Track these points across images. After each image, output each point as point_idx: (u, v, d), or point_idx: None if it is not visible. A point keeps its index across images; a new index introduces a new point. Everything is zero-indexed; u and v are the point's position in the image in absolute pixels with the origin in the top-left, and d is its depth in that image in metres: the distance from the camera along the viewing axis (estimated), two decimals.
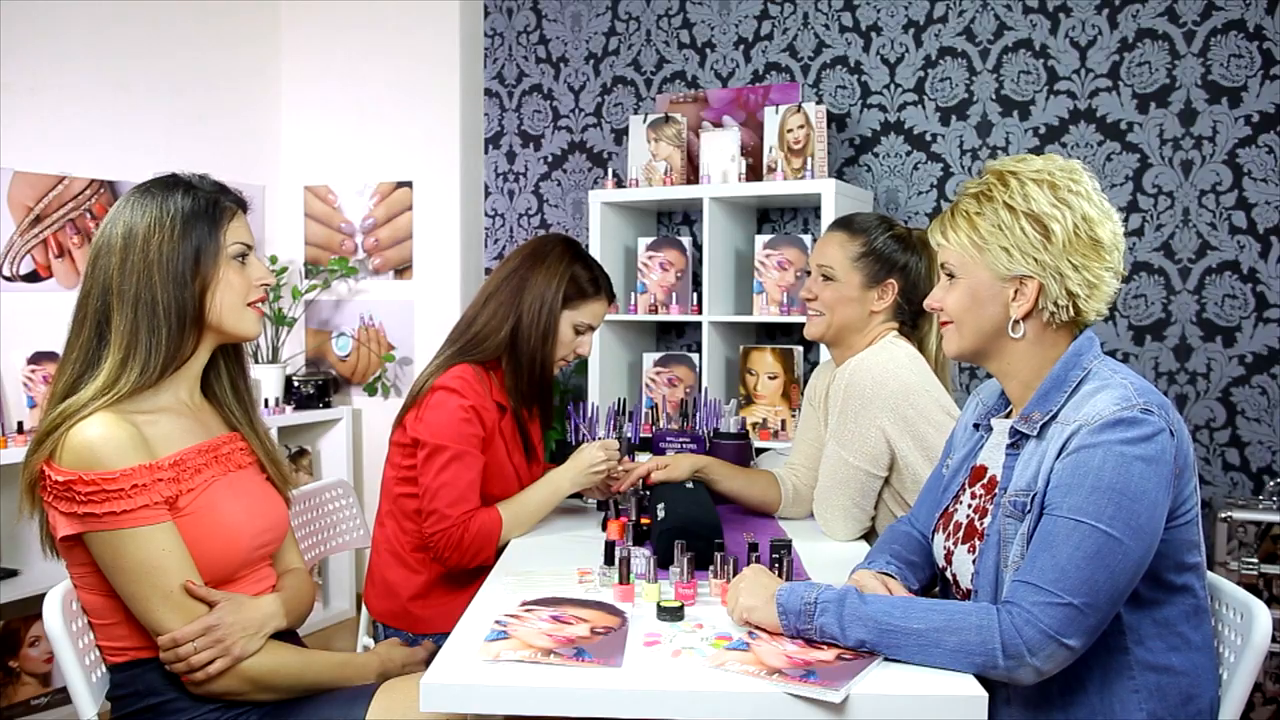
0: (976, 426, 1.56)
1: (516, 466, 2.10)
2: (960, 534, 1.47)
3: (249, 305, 1.57)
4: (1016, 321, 1.40)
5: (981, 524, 1.43)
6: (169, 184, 1.54)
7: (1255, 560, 2.63)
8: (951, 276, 1.45)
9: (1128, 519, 1.24)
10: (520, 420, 2.13)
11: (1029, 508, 1.33)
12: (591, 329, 2.16)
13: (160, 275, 1.47)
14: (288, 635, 1.62)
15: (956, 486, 1.55)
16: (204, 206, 1.52)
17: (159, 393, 1.51)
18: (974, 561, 1.42)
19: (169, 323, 1.47)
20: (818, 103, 3.23)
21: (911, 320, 2.06)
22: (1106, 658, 1.32)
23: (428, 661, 1.78)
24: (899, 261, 2.03)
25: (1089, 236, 1.36)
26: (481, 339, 2.05)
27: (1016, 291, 1.38)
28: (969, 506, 1.48)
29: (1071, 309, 1.38)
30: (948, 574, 1.51)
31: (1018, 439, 1.41)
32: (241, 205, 1.59)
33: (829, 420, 2.01)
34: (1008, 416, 1.50)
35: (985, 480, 1.48)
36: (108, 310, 1.47)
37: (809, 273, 2.10)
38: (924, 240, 2.06)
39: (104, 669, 1.52)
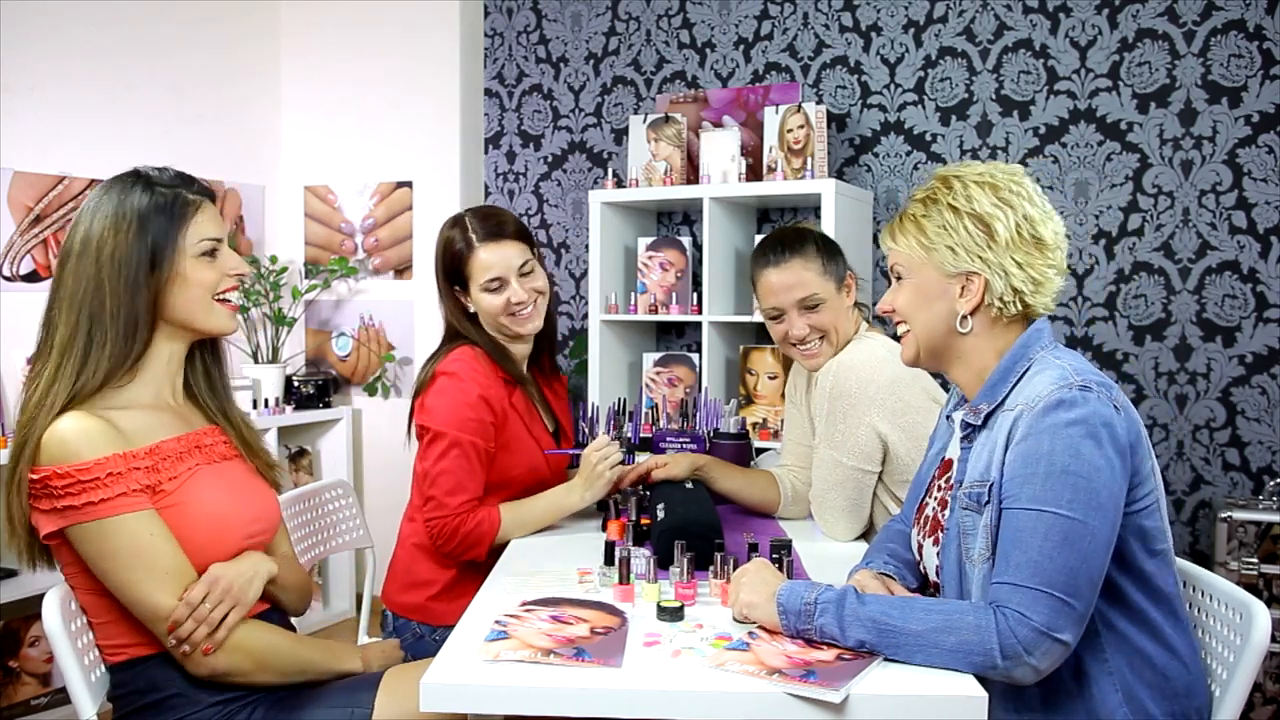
0: (949, 419, 1.59)
1: (538, 437, 2.09)
2: (927, 527, 1.50)
3: (218, 299, 1.55)
4: (964, 316, 1.43)
5: (944, 517, 1.45)
6: (128, 182, 1.51)
7: (1255, 560, 2.63)
8: (899, 278, 1.49)
9: (1087, 500, 1.26)
10: (537, 394, 2.14)
11: (986, 499, 1.35)
12: (501, 280, 2.02)
13: (112, 279, 1.45)
14: (282, 624, 1.63)
15: (928, 480, 1.58)
16: (164, 203, 1.50)
17: (128, 390, 1.50)
18: (938, 555, 1.44)
19: (115, 327, 1.46)
20: (818, 103, 3.23)
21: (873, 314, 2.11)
22: (1079, 643, 1.33)
23: (403, 650, 1.80)
24: (841, 252, 2.04)
25: (1031, 235, 1.40)
26: (445, 338, 2.10)
27: (963, 288, 1.42)
28: (935, 500, 1.52)
29: (1018, 304, 1.41)
30: (920, 567, 1.54)
31: (969, 431, 1.44)
32: (207, 195, 1.57)
33: (815, 422, 2.01)
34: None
35: (950, 473, 1.50)
36: (59, 316, 1.47)
37: (774, 318, 2.01)
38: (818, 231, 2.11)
39: (103, 668, 1.52)
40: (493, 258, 2.02)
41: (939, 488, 1.52)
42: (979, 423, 1.41)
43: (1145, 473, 1.35)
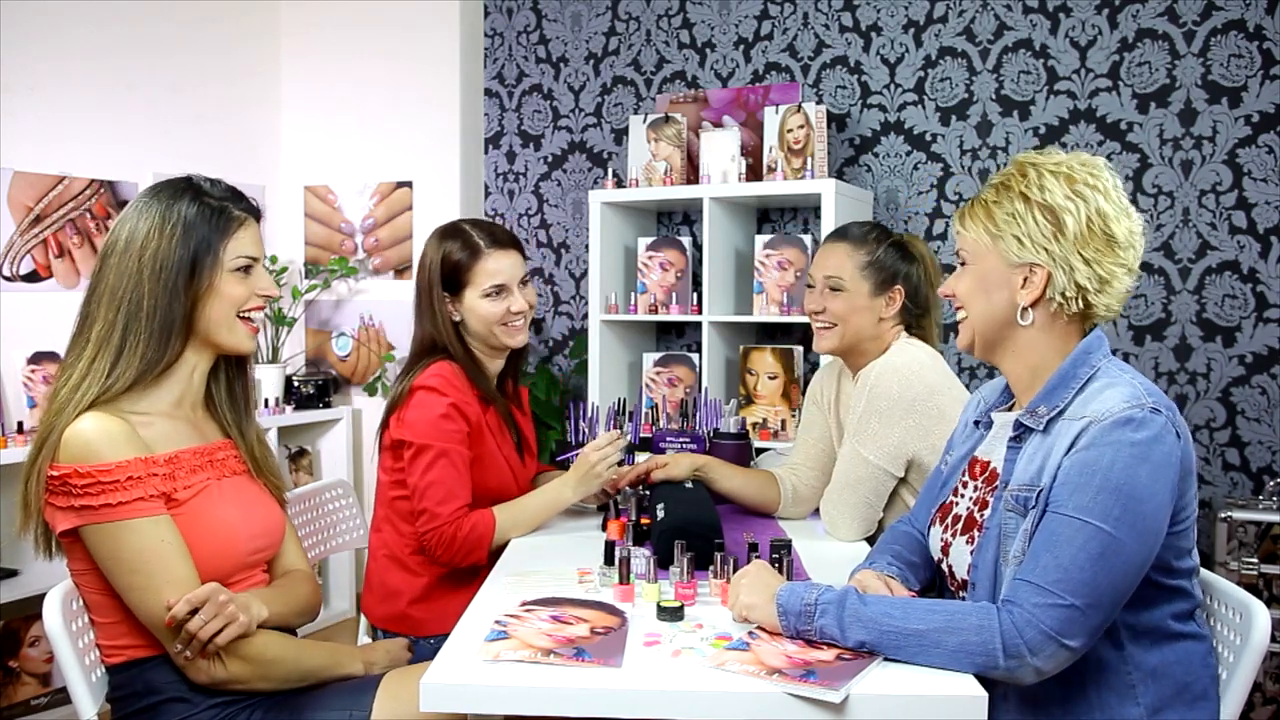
0: (977, 424, 1.57)
1: (507, 458, 2.10)
2: (959, 526, 1.48)
3: (242, 316, 1.56)
4: (1025, 309, 1.41)
5: (981, 516, 1.44)
6: (179, 188, 1.53)
7: (1255, 560, 2.63)
8: (964, 264, 1.47)
9: (1133, 521, 1.25)
10: (506, 412, 2.13)
11: (1033, 503, 1.33)
12: (504, 288, 2.04)
13: (151, 279, 1.47)
14: (285, 633, 1.63)
15: (955, 481, 1.55)
16: (210, 215, 1.52)
17: (150, 396, 1.51)
18: (972, 553, 1.42)
19: (150, 328, 1.47)
20: (818, 103, 3.23)
21: (915, 322, 2.08)
22: (1101, 654, 1.32)
23: (411, 651, 1.80)
24: (902, 269, 2.04)
25: (1103, 232, 1.36)
26: (421, 351, 2.07)
27: (1025, 280, 1.40)
28: (970, 499, 1.49)
29: (1080, 302, 1.38)
30: (944, 565, 1.51)
31: (1021, 432, 1.42)
32: (253, 213, 1.58)
33: (848, 422, 2.01)
34: (1008, 410, 1.51)
35: (987, 474, 1.48)
36: (97, 309, 1.48)
37: (810, 286, 2.08)
38: (916, 247, 2.10)
39: (103, 669, 1.52)
40: (499, 265, 2.04)
41: (975, 487, 1.50)
42: (1039, 428, 1.38)
43: (1189, 498, 1.34)
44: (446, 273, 2.04)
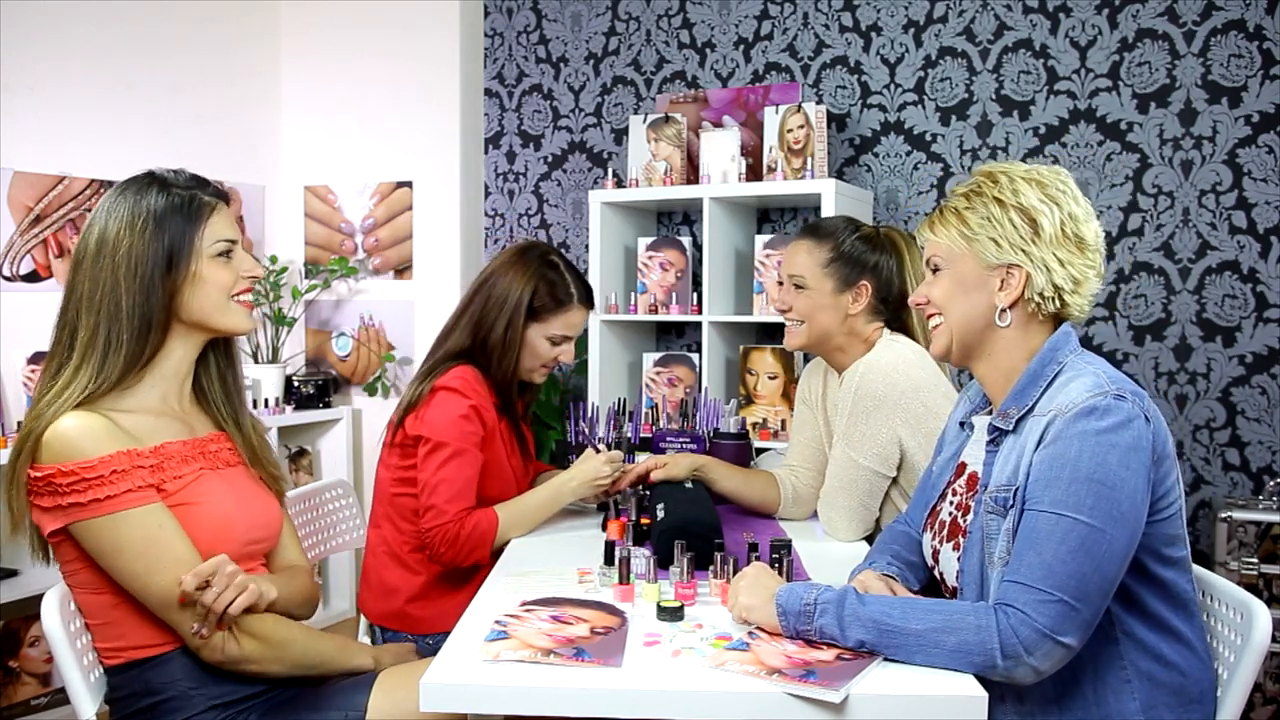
0: (963, 425, 1.58)
1: (514, 468, 2.11)
2: (945, 532, 1.49)
3: (235, 299, 1.55)
4: (1003, 310, 1.42)
5: (964, 521, 1.44)
6: (144, 183, 1.52)
7: (1255, 560, 2.63)
8: (936, 270, 1.48)
9: (1109, 508, 1.25)
10: (515, 421, 2.15)
11: (1011, 503, 1.34)
12: (569, 339, 2.13)
13: (127, 278, 1.46)
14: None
15: (943, 485, 1.56)
16: (179, 204, 1.50)
17: (136, 393, 1.50)
18: (959, 559, 1.43)
19: (131, 326, 1.46)
20: (818, 103, 3.23)
21: (893, 317, 2.06)
22: (1097, 649, 1.33)
23: (422, 652, 1.80)
24: (869, 262, 2.02)
25: (1074, 234, 1.40)
26: (452, 354, 2.07)
27: (1003, 281, 1.41)
28: (952, 504, 1.50)
29: (1057, 301, 1.40)
30: (935, 572, 1.52)
31: (996, 435, 1.43)
32: (222, 198, 1.57)
33: (836, 422, 2.00)
34: (987, 414, 1.51)
35: (966, 477, 1.49)
36: (78, 318, 1.46)
37: (780, 283, 2.08)
38: (892, 239, 2.07)
39: (102, 669, 1.52)
40: (578, 320, 2.12)
41: (955, 492, 1.51)
42: (1010, 428, 1.40)
43: (1170, 483, 1.34)
44: (540, 301, 2.06)
